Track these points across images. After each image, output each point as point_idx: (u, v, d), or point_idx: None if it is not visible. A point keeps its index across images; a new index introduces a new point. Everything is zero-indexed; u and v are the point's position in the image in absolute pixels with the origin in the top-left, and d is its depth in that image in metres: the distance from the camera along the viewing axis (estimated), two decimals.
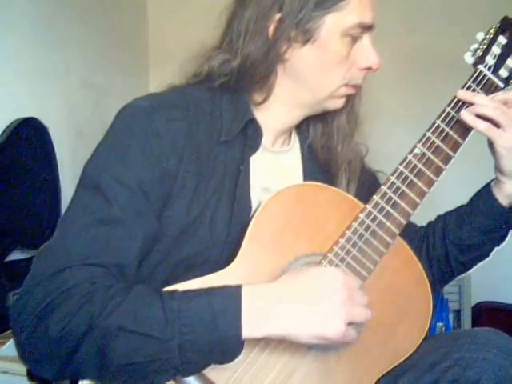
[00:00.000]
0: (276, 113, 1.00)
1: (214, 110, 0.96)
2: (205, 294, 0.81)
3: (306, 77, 0.97)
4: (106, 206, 0.86)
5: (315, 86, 0.97)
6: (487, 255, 1.09)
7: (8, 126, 1.97)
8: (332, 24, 0.94)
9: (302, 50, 0.95)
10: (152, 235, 0.89)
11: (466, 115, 0.98)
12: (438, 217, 1.14)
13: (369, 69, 0.98)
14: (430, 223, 1.15)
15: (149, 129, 0.90)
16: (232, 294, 0.81)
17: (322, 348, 0.89)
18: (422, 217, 1.12)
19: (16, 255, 1.99)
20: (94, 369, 0.79)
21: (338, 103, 1.01)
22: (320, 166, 1.06)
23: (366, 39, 0.96)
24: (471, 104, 0.99)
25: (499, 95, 1.00)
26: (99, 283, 0.81)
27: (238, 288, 0.82)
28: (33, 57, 2.13)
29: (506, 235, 1.08)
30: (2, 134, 1.95)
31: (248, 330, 0.80)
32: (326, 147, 1.05)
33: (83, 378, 0.82)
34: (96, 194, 0.87)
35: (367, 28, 0.96)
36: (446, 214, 1.13)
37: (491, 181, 1.07)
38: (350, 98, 1.02)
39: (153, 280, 0.90)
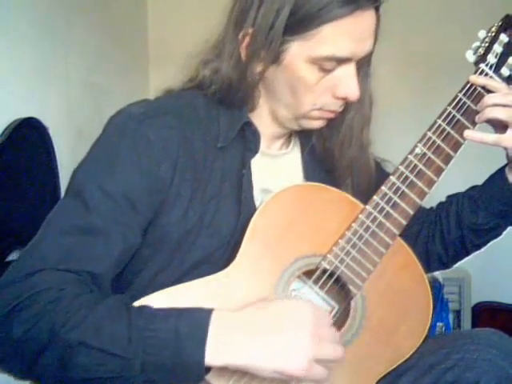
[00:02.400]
0: (265, 121, 1.00)
1: (209, 115, 0.96)
2: (174, 316, 0.79)
3: (278, 94, 0.96)
4: (85, 214, 0.85)
5: (288, 104, 0.96)
6: (500, 235, 1.11)
7: (8, 126, 1.96)
8: (297, 51, 0.91)
9: (272, 69, 0.94)
10: (133, 246, 0.88)
11: (471, 134, 0.98)
12: (449, 198, 1.15)
13: (344, 99, 0.95)
14: (441, 206, 1.15)
15: (139, 136, 0.89)
16: (200, 321, 0.79)
17: None
18: None
19: (16, 255, 1.99)
20: (55, 379, 0.79)
21: (314, 124, 0.99)
22: (324, 171, 1.05)
23: (347, 69, 0.92)
24: (483, 89, 0.99)
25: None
26: (68, 290, 0.80)
27: (209, 314, 0.80)
28: (33, 57, 2.13)
29: None
30: (2, 133, 1.94)
31: (210, 357, 0.78)
32: (331, 153, 1.04)
33: None
34: (78, 201, 0.86)
35: (343, 60, 0.92)
36: (458, 196, 1.13)
37: (503, 166, 1.07)
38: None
39: (154, 285, 0.89)
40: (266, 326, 0.81)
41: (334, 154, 1.04)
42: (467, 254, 1.13)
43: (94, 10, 2.48)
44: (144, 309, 0.80)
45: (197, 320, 0.79)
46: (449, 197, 1.15)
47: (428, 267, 1.14)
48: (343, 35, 0.89)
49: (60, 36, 2.27)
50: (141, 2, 2.88)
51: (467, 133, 0.98)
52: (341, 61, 0.91)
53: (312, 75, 0.92)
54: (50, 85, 2.22)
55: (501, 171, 1.08)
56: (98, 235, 0.85)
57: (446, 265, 1.15)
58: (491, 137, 1.00)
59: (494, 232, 1.10)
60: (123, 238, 0.87)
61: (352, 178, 1.04)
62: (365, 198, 0.97)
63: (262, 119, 1.00)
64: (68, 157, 2.21)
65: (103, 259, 0.85)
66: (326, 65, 0.91)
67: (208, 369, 0.80)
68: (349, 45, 0.90)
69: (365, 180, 1.04)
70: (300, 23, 0.89)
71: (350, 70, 0.92)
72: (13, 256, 1.97)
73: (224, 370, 0.82)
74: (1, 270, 2.03)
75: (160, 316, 0.80)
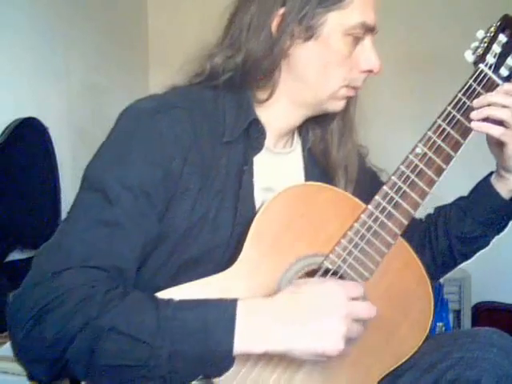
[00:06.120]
0: (278, 111, 1.00)
1: (216, 109, 0.96)
2: (200, 305, 0.81)
3: (307, 74, 0.97)
4: (107, 208, 0.85)
5: (316, 84, 0.97)
6: (488, 244, 1.11)
7: (8, 126, 1.96)
8: (335, 22, 0.94)
9: (304, 46, 0.95)
10: (154, 237, 0.89)
11: (478, 124, 0.98)
12: (437, 209, 1.15)
13: (370, 71, 0.98)
14: (429, 216, 1.16)
15: (152, 130, 0.89)
16: (227, 308, 0.80)
17: None
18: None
19: (16, 255, 1.99)
20: (82, 366, 0.79)
21: (338, 105, 1.00)
22: (320, 169, 1.05)
23: (367, 41, 0.96)
24: (482, 89, 0.99)
25: (505, 85, 1.00)
26: (98, 287, 0.80)
27: (234, 302, 0.80)
28: (33, 57, 2.13)
29: (506, 225, 1.10)
30: (2, 133, 1.94)
31: (243, 345, 0.79)
32: (325, 151, 1.05)
33: (71, 376, 0.82)
34: (98, 196, 0.86)
35: (370, 29, 0.96)
36: (445, 207, 1.13)
37: (489, 174, 1.08)
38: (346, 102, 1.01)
39: (155, 282, 0.90)
40: (299, 309, 0.82)
41: (328, 156, 1.05)
42: (455, 264, 1.14)
43: (94, 10, 2.48)
44: (170, 300, 0.81)
45: (223, 308, 0.80)
46: (437, 208, 1.16)
47: None
48: (368, 3, 0.95)
49: (60, 36, 2.28)
50: (141, 2, 2.89)
51: (474, 123, 0.98)
52: (368, 29, 0.95)
53: (346, 47, 0.95)
54: (50, 85, 2.22)
55: (486, 179, 1.09)
56: (122, 229, 0.85)
57: (434, 276, 1.13)
58: (498, 129, 0.99)
59: (482, 241, 1.10)
60: (145, 230, 0.87)
61: (344, 179, 1.04)
62: (359, 196, 0.97)
63: (275, 110, 1.00)
64: (68, 157, 2.21)
65: (129, 253, 0.85)
66: (358, 33, 0.95)
67: (234, 361, 0.80)
68: (373, 14, 0.96)
69: (354, 180, 1.05)
70: None
71: (370, 43, 0.97)
72: (13, 256, 1.98)
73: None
74: (1, 269, 2.03)
75: (187, 305, 0.80)
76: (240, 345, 0.79)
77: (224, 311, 0.80)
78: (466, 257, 1.12)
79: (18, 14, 2.06)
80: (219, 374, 0.82)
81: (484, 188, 1.08)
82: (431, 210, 1.15)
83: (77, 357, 0.78)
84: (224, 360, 0.80)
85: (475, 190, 1.10)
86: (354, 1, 0.93)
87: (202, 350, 0.78)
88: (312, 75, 0.96)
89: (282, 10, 0.94)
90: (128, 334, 0.77)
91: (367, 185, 1.02)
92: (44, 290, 0.80)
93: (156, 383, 0.80)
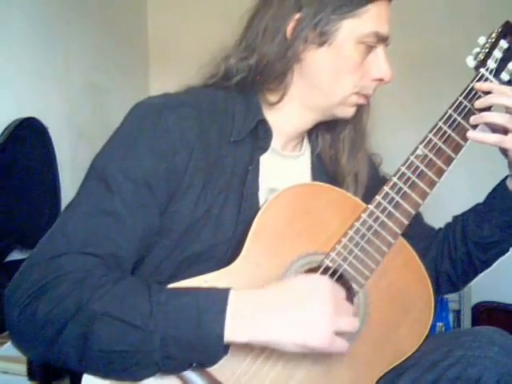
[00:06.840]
0: (288, 114, 1.01)
1: (226, 110, 0.98)
2: (193, 292, 0.82)
3: (319, 79, 0.98)
4: (108, 197, 0.87)
5: (328, 89, 0.98)
6: (507, 250, 1.10)
7: (8, 126, 1.97)
8: (348, 29, 0.95)
9: (317, 51, 0.96)
10: (154, 229, 0.90)
11: (473, 134, 0.99)
12: (455, 218, 1.15)
13: (381, 80, 0.99)
14: (447, 225, 1.16)
15: (159, 125, 0.91)
16: (219, 295, 0.81)
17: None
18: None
19: (16, 255, 1.99)
20: (75, 353, 0.80)
21: (349, 112, 1.01)
22: (327, 175, 1.06)
23: (380, 50, 0.98)
24: (484, 94, 0.99)
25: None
26: (93, 272, 0.82)
27: (226, 290, 0.82)
28: (33, 57, 2.13)
29: None
30: (2, 133, 1.95)
31: (231, 332, 0.80)
32: (334, 158, 1.06)
33: (66, 364, 0.82)
34: (100, 185, 0.88)
35: (382, 39, 0.97)
36: (463, 214, 1.13)
37: (505, 178, 1.08)
38: (358, 110, 1.02)
39: (157, 276, 0.91)
40: (287, 301, 0.83)
41: (338, 163, 1.06)
42: (476, 272, 1.12)
43: (94, 10, 2.48)
44: (163, 286, 0.83)
45: (216, 295, 0.81)
46: (454, 216, 1.15)
47: (438, 288, 1.13)
48: (382, 15, 0.97)
49: (60, 36, 2.28)
50: (141, 2, 2.89)
51: (469, 133, 0.99)
52: (381, 39, 0.97)
53: (359, 55, 0.96)
54: (50, 85, 2.23)
55: (502, 183, 1.08)
56: (121, 218, 0.87)
57: (455, 285, 1.14)
58: (492, 137, 1.01)
59: (500, 247, 1.09)
60: (144, 221, 0.88)
61: (354, 187, 1.05)
62: (370, 197, 0.97)
63: (285, 113, 1.01)
64: (68, 156, 2.21)
65: (126, 242, 0.87)
66: (371, 42, 0.96)
67: (226, 350, 0.81)
68: (386, 24, 0.97)
69: (364, 188, 1.06)
70: (352, 0, 0.94)
71: (383, 52, 0.98)
72: (13, 256, 1.98)
73: (241, 349, 0.83)
74: (1, 269, 2.03)
75: (179, 292, 0.82)
76: (230, 332, 0.80)
77: (216, 299, 0.81)
78: (486, 263, 1.10)
79: (17, 14, 2.06)
80: (212, 363, 0.82)
81: (499, 191, 1.07)
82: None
83: (70, 343, 0.79)
84: (215, 346, 0.80)
85: (491, 193, 1.09)
86: (369, 10, 0.95)
87: (193, 335, 0.79)
88: (324, 80, 0.98)
89: (297, 15, 0.95)
90: (121, 319, 0.78)
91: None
92: (42, 271, 0.82)
93: (150, 371, 0.80)
